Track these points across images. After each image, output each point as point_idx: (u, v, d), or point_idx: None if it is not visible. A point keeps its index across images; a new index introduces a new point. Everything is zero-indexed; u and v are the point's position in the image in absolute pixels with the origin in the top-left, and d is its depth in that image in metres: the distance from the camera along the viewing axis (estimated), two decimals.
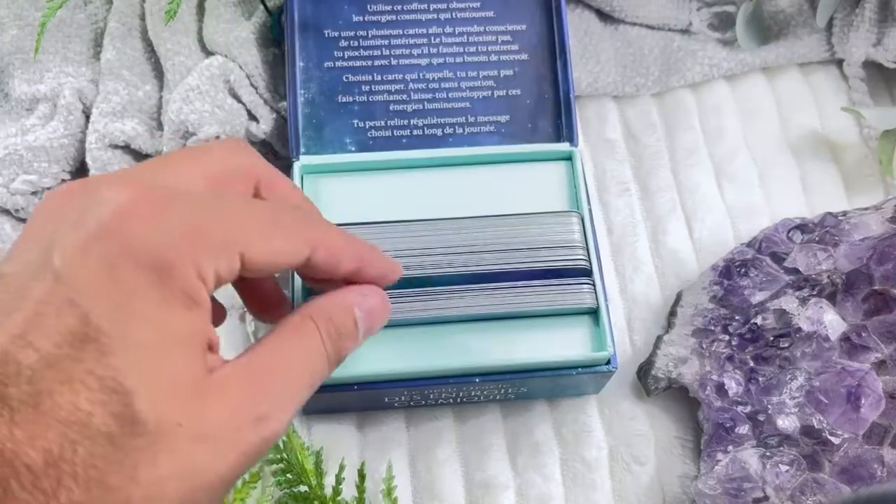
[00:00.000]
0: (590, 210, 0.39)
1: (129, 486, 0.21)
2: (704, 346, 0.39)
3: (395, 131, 0.41)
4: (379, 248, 0.31)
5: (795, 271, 0.40)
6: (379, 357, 0.36)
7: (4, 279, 0.22)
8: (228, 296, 0.32)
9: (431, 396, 0.38)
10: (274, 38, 0.45)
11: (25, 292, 0.21)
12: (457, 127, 0.41)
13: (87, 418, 0.20)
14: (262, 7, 0.45)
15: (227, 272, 0.24)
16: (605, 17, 0.49)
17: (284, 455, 0.37)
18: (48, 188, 0.42)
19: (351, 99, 0.41)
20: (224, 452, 0.23)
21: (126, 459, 0.21)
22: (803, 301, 0.39)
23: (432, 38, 0.42)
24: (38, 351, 0.20)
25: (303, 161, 0.40)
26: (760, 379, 0.38)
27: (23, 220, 0.42)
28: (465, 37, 0.42)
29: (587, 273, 0.37)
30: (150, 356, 0.21)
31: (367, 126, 0.41)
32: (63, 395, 0.20)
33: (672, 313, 0.42)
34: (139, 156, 0.44)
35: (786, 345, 0.38)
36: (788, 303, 0.39)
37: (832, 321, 0.38)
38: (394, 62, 0.42)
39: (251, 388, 0.24)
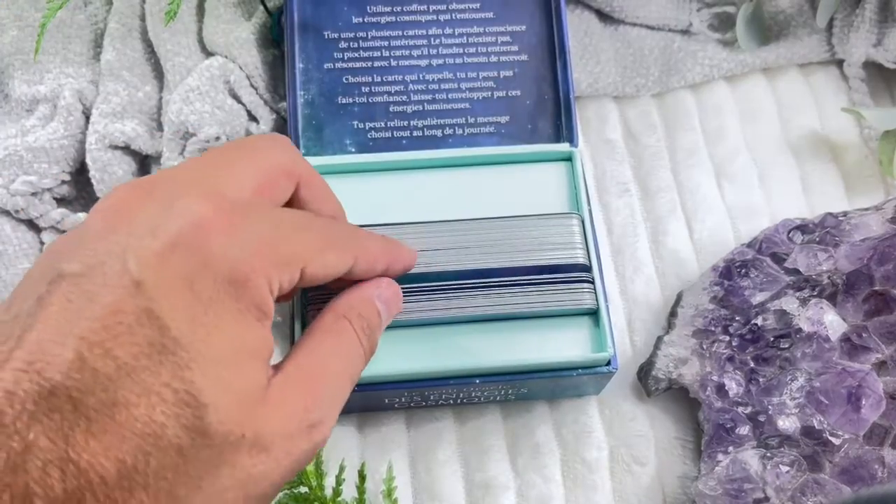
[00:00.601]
0: (590, 211, 0.39)
1: (194, 497, 0.21)
2: (705, 346, 0.39)
3: (394, 132, 0.41)
4: (398, 240, 0.33)
5: (796, 272, 0.40)
6: (379, 358, 0.36)
7: (72, 281, 0.22)
8: None
9: (431, 397, 0.38)
10: (274, 38, 0.45)
11: (100, 298, 0.21)
12: (456, 128, 0.41)
13: (161, 430, 0.20)
14: (262, 8, 0.45)
15: (289, 284, 0.25)
16: (605, 17, 0.49)
17: None
18: (48, 189, 0.42)
19: (351, 100, 0.41)
20: (280, 461, 0.23)
21: (193, 470, 0.21)
22: (804, 302, 0.39)
23: (432, 40, 0.42)
24: (116, 360, 0.20)
25: None
26: (761, 380, 0.38)
27: (23, 221, 0.42)
28: (465, 38, 0.42)
29: (587, 274, 0.37)
30: (224, 370, 0.22)
31: (367, 127, 0.41)
32: (139, 406, 0.20)
33: (672, 314, 0.42)
34: (139, 156, 0.44)
35: (786, 345, 0.38)
36: (789, 303, 0.39)
37: (832, 322, 0.38)
38: (393, 63, 0.42)
39: (304, 397, 0.25)
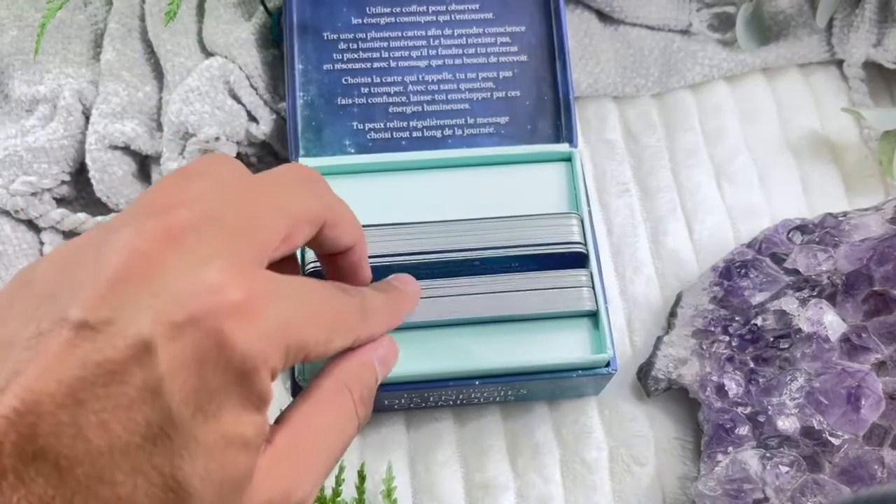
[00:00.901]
0: (589, 211, 0.39)
1: None
2: (704, 346, 0.39)
3: (394, 133, 0.41)
4: (403, 290, 0.33)
5: (795, 272, 0.40)
6: None
7: (79, 328, 0.20)
8: None
9: (431, 399, 0.38)
10: (274, 39, 0.45)
11: (106, 357, 0.20)
12: (456, 128, 0.41)
13: None
14: (262, 8, 0.45)
15: (285, 367, 0.24)
16: (605, 17, 0.49)
17: None
18: (48, 189, 0.42)
19: (350, 101, 0.41)
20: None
21: None
22: (803, 302, 0.39)
23: (431, 40, 0.42)
24: (111, 434, 0.20)
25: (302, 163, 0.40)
26: (760, 380, 0.38)
27: (22, 221, 0.42)
28: (464, 38, 0.42)
29: (587, 275, 0.37)
30: (214, 461, 0.21)
31: (367, 128, 0.41)
32: (125, 486, 0.20)
33: (672, 314, 0.42)
34: (139, 157, 0.44)
35: (786, 346, 0.38)
36: (788, 304, 0.39)
37: (832, 322, 0.38)
38: (393, 64, 0.42)
39: (290, 477, 0.24)
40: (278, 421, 0.26)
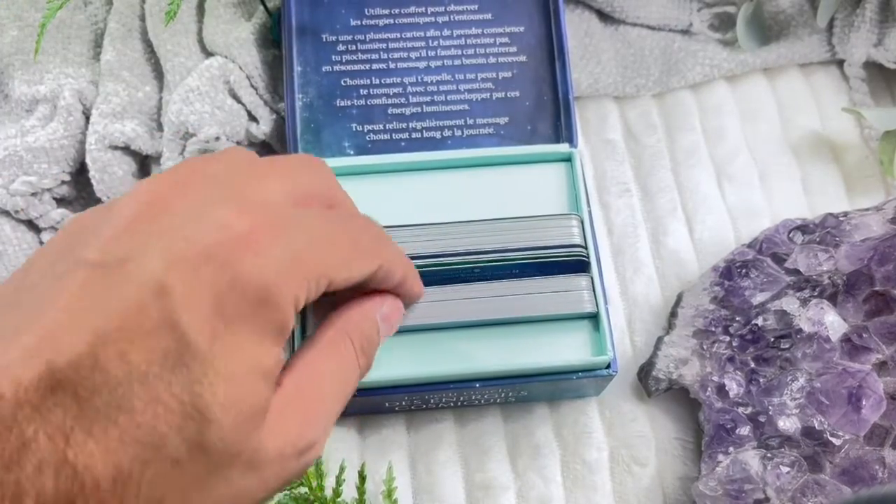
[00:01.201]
0: (589, 211, 0.39)
1: None
2: (705, 347, 0.39)
3: (393, 134, 0.41)
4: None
5: (796, 272, 0.40)
6: (380, 363, 0.36)
7: (94, 270, 0.21)
8: None
9: (432, 401, 0.38)
10: (274, 39, 0.45)
11: (122, 294, 0.21)
12: (455, 129, 0.41)
13: (162, 440, 0.20)
14: (262, 8, 0.45)
15: (313, 297, 0.24)
16: (605, 17, 0.49)
17: None
18: (48, 189, 0.42)
19: (349, 103, 0.41)
20: (268, 481, 0.23)
21: (185, 483, 0.21)
22: (804, 302, 0.39)
23: (430, 41, 0.42)
24: (129, 364, 0.20)
25: None
26: (761, 380, 0.38)
27: (22, 222, 0.42)
28: (463, 39, 0.42)
29: (587, 276, 0.37)
30: (234, 389, 0.21)
31: (366, 129, 0.41)
32: (144, 414, 0.20)
33: (673, 314, 0.41)
34: (139, 157, 0.44)
35: (786, 346, 0.38)
36: (789, 304, 0.39)
37: (833, 322, 0.38)
38: (392, 65, 0.42)
39: (300, 421, 0.24)
40: (283, 368, 0.26)
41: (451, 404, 0.39)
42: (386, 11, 0.42)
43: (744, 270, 0.41)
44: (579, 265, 0.37)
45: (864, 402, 0.36)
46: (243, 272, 0.22)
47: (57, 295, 0.21)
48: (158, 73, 0.46)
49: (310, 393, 0.25)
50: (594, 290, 0.37)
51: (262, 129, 0.43)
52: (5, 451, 0.18)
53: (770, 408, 0.37)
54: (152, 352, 0.20)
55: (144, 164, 0.44)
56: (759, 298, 0.40)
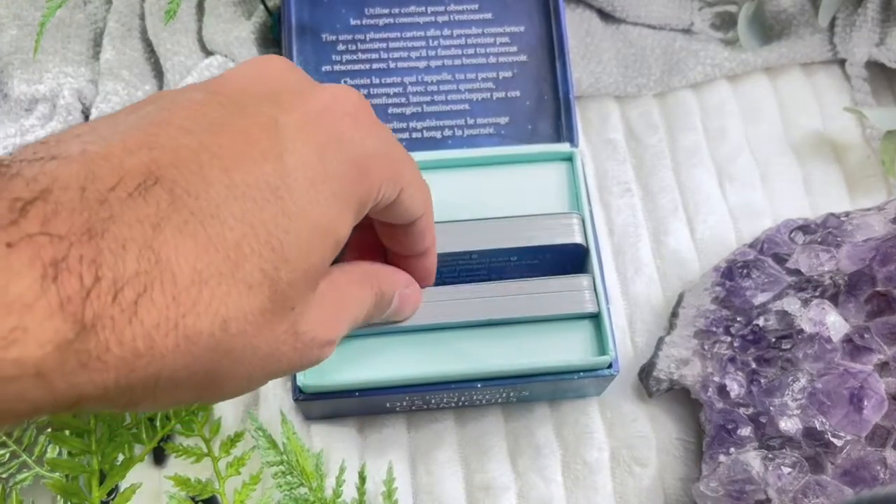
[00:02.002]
0: (590, 211, 0.39)
1: (233, 341, 0.21)
2: (706, 347, 0.39)
3: (394, 134, 0.41)
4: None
5: (797, 272, 0.40)
6: (380, 364, 0.36)
7: (212, 97, 0.22)
8: None
9: (433, 401, 0.38)
10: (274, 38, 0.45)
11: (236, 120, 0.22)
12: (456, 129, 0.41)
13: (242, 260, 0.20)
14: (262, 7, 0.45)
15: (385, 201, 0.26)
16: (606, 16, 0.49)
17: (285, 457, 0.37)
18: None
19: None
20: (293, 357, 0.24)
21: (245, 314, 0.21)
22: (805, 302, 0.39)
23: (430, 41, 0.42)
24: (231, 181, 0.21)
25: None
26: (762, 380, 0.38)
27: None
28: (464, 39, 0.42)
29: (588, 276, 0.37)
30: (313, 240, 0.22)
31: None
32: (234, 231, 0.20)
33: (674, 314, 0.41)
34: None
35: (788, 346, 0.38)
36: (790, 304, 0.39)
37: (834, 322, 0.38)
38: (392, 65, 0.42)
39: (332, 316, 0.25)
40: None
41: (452, 404, 0.39)
42: (386, 11, 0.42)
43: (745, 270, 0.40)
44: (580, 264, 0.37)
45: (865, 403, 0.36)
46: (347, 135, 0.24)
47: (174, 106, 0.22)
48: (158, 72, 0.45)
49: (339, 298, 0.26)
50: (595, 290, 0.37)
51: None
52: (91, 220, 0.18)
53: (771, 408, 0.37)
54: (255, 177, 0.21)
55: None
56: (760, 299, 0.40)
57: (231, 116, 0.22)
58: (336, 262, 0.26)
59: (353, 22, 0.42)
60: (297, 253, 0.22)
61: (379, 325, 0.34)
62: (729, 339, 0.39)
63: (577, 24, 0.47)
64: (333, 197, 0.23)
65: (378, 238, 0.32)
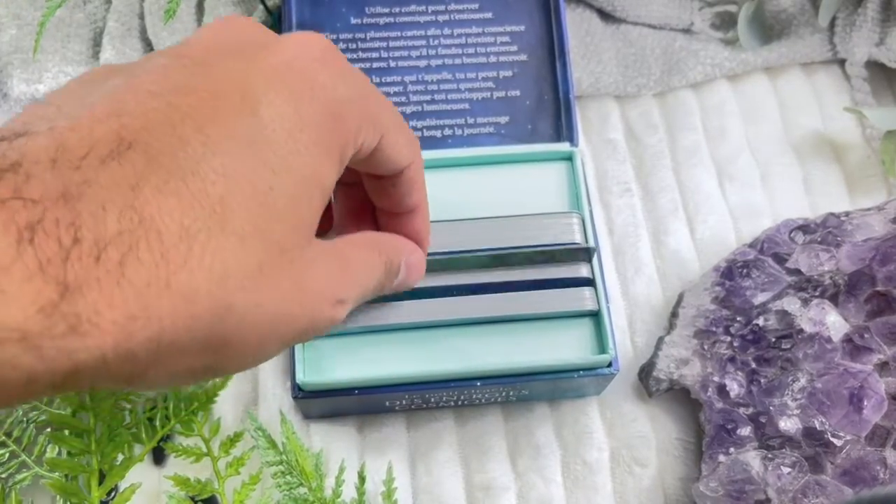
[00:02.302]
0: (590, 210, 0.39)
1: (235, 297, 0.20)
2: (706, 347, 0.39)
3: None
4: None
5: (797, 272, 0.40)
6: (379, 362, 0.36)
7: (177, 55, 0.22)
8: None
9: (432, 400, 0.38)
10: None
11: (205, 75, 0.21)
12: (456, 128, 0.41)
13: (228, 213, 0.20)
14: (262, 7, 0.45)
15: (367, 149, 0.26)
16: (606, 16, 0.49)
17: (284, 457, 0.37)
18: None
19: None
20: (304, 320, 0.23)
21: (241, 269, 0.20)
22: (805, 302, 0.39)
23: (431, 40, 0.42)
24: (208, 137, 0.20)
25: None
26: (762, 380, 0.38)
27: None
28: (464, 38, 0.42)
29: (588, 275, 0.37)
30: (297, 186, 0.22)
31: None
32: (216, 185, 0.20)
33: (673, 314, 0.41)
34: None
35: (788, 346, 0.38)
36: (790, 304, 0.39)
37: (834, 322, 0.38)
38: (392, 64, 0.42)
39: (339, 273, 0.25)
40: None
41: (452, 403, 0.39)
42: (386, 10, 0.42)
43: (745, 270, 0.40)
44: (580, 264, 0.37)
45: (865, 403, 0.36)
46: (319, 81, 0.23)
47: (138, 77, 0.21)
48: None
49: (345, 259, 0.26)
50: (595, 289, 0.37)
51: None
52: (67, 187, 0.18)
53: (771, 408, 0.37)
54: (230, 131, 0.21)
55: None
56: (760, 298, 0.40)
57: (198, 77, 0.21)
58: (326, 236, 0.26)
59: (353, 21, 0.42)
60: (284, 203, 0.21)
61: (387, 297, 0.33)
62: (729, 338, 0.39)
63: (577, 24, 0.47)
64: (314, 145, 0.22)
65: (368, 205, 0.31)
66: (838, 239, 0.40)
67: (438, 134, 0.41)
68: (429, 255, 0.37)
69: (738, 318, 0.40)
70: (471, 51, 0.42)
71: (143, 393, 0.39)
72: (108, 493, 0.37)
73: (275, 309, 0.22)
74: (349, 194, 0.32)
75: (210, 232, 0.19)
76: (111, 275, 0.17)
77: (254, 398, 0.40)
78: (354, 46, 0.42)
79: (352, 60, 0.42)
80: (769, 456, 0.36)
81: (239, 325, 0.21)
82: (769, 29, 0.49)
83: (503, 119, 0.41)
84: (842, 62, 0.49)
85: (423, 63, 0.42)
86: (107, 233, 0.18)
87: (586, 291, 0.37)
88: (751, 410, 0.38)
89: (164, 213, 0.19)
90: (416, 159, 0.29)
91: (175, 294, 0.18)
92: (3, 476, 0.37)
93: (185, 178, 0.19)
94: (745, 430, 0.37)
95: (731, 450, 0.37)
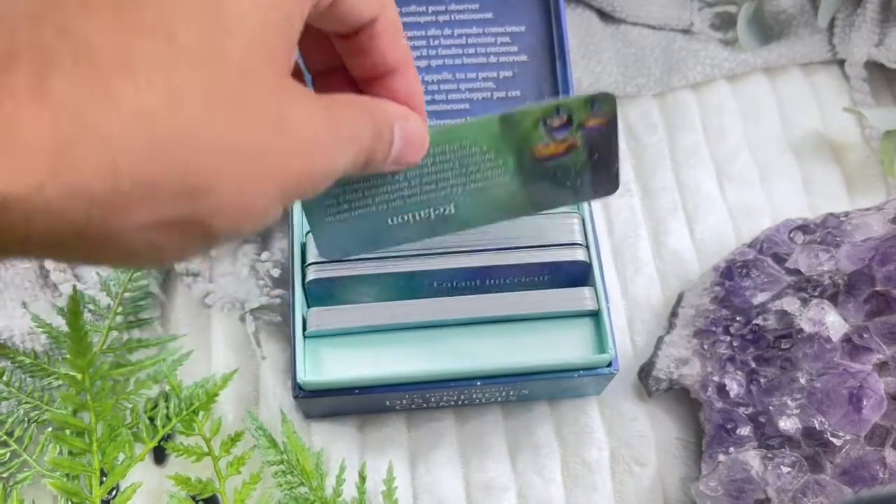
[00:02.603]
0: (590, 210, 0.39)
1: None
2: (706, 346, 0.39)
3: None
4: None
5: (797, 272, 0.40)
6: (380, 361, 0.36)
7: None
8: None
9: (432, 399, 0.38)
10: None
11: None
12: None
13: (174, 35, 0.17)
14: None
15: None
16: (606, 17, 0.49)
17: (285, 456, 0.37)
18: None
19: None
20: (295, 164, 0.21)
21: (220, 97, 0.18)
22: (805, 302, 0.39)
23: (431, 41, 0.42)
24: None
25: None
26: (762, 380, 0.38)
27: None
28: (464, 39, 0.42)
29: (588, 275, 0.37)
30: (252, 12, 0.19)
31: None
32: (158, 10, 0.17)
33: (673, 314, 0.41)
34: None
35: (787, 346, 0.38)
36: (790, 304, 0.39)
37: (834, 322, 0.38)
38: None
39: (328, 122, 0.22)
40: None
41: (452, 403, 0.39)
42: None
43: (744, 270, 0.40)
44: (580, 262, 0.37)
45: (864, 403, 0.36)
46: None
47: None
48: None
49: (329, 112, 0.22)
50: (595, 289, 0.37)
51: None
52: None
53: (771, 408, 0.37)
54: None
55: None
56: (759, 298, 0.40)
57: None
58: None
59: None
60: (239, 26, 0.19)
61: (389, 174, 0.29)
62: (728, 338, 0.39)
63: (576, 24, 0.47)
64: None
65: (352, 91, 0.28)
66: (837, 239, 0.40)
67: None
68: (428, 255, 0.37)
69: (738, 318, 0.40)
70: (471, 51, 0.42)
71: (143, 392, 0.39)
72: (110, 493, 0.37)
73: (256, 147, 0.19)
74: (328, 84, 0.29)
75: (154, 52, 0.17)
76: (31, 89, 0.15)
77: (254, 398, 0.40)
78: None
79: None
80: (769, 455, 0.36)
81: (214, 160, 0.18)
82: (769, 29, 0.49)
83: None
84: (841, 62, 0.49)
85: (423, 63, 0.42)
86: (18, 43, 0.15)
87: (586, 291, 0.37)
88: (750, 410, 0.38)
89: (94, 30, 0.16)
90: (387, 11, 0.25)
91: (124, 113, 0.16)
92: (5, 476, 0.37)
93: (119, 6, 0.17)
94: (745, 430, 0.37)
95: (731, 449, 0.37)
